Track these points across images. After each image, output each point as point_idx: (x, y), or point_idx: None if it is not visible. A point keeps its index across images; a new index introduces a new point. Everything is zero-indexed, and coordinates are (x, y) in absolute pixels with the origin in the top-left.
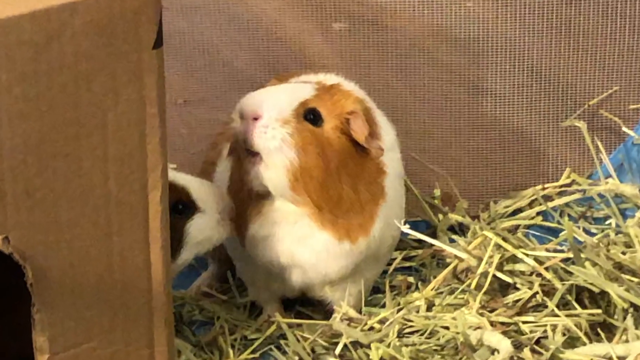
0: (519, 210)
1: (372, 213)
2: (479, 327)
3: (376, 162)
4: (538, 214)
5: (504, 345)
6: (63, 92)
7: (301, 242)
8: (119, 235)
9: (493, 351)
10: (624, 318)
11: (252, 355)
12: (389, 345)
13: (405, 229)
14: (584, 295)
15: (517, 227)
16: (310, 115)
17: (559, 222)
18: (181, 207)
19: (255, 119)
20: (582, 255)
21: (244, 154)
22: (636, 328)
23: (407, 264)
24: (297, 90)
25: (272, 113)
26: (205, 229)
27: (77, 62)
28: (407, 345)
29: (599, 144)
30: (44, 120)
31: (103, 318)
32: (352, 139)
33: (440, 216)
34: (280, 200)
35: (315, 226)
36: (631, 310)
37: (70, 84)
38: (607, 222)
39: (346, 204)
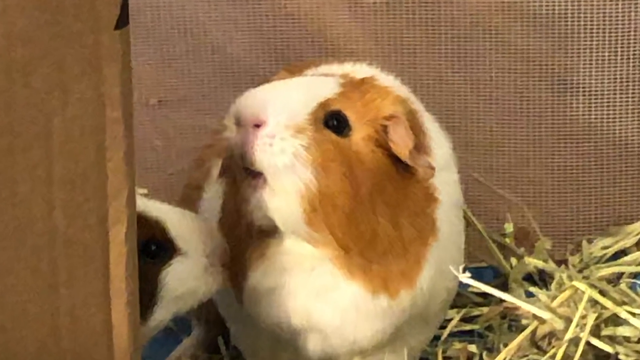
0: (622, 252)
1: (419, 256)
2: None
3: (424, 185)
4: None
5: None
6: (6, 79)
7: (321, 297)
8: (69, 287)
9: None
10: None
11: None
12: None
13: (465, 278)
14: None
15: (620, 275)
16: (333, 121)
17: None
18: (154, 247)
19: (258, 126)
20: None
21: (242, 174)
22: None
23: (468, 327)
24: (315, 86)
25: (280, 118)
26: (187, 278)
27: (10, 47)
28: None
29: None
30: None
31: None
32: (391, 153)
33: (514, 261)
34: (292, 238)
35: (341, 274)
36: None
37: (13, 70)
38: None
39: (383, 243)
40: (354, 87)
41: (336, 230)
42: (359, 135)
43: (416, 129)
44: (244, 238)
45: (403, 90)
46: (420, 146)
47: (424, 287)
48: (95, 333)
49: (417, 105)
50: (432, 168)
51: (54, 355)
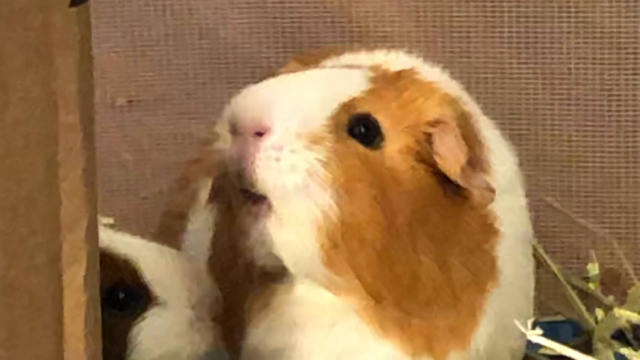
0: None
1: (474, 307)
2: None
3: (481, 213)
4: None
5: None
6: None
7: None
8: (9, 347)
9: None
10: None
11: None
12: None
13: (536, 336)
14: None
15: None
16: (360, 128)
17: None
18: (123, 296)
19: (261, 134)
20: None
21: (239, 198)
22: None
23: None
24: (337, 82)
25: (290, 124)
26: (166, 336)
27: None
28: None
29: None
30: None
31: None
32: (437, 170)
33: (600, 313)
34: (305, 284)
35: (370, 331)
36: None
37: None
38: None
39: (426, 290)
40: (387, 82)
41: (364, 273)
42: (395, 147)
43: (470, 139)
44: (241, 283)
45: (453, 87)
46: (475, 161)
47: (481, 348)
48: None
49: (472, 107)
50: (492, 190)
51: None
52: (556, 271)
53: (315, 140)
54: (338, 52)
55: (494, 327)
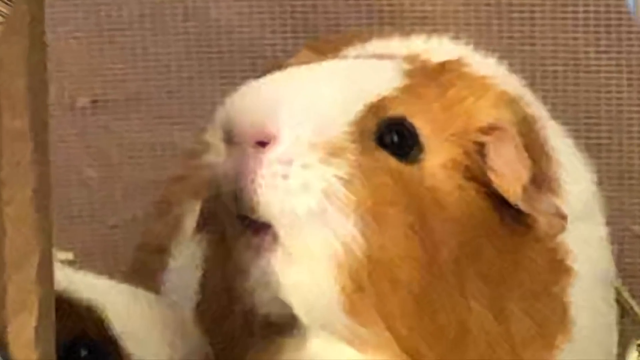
0: None
1: (565, 319)
2: None
3: (549, 246)
4: None
5: None
6: None
7: None
8: None
9: None
10: None
11: None
12: None
13: None
14: None
15: None
16: (393, 136)
17: None
18: (86, 353)
19: (264, 144)
20: None
21: (236, 227)
22: None
23: None
24: (363, 76)
25: (301, 131)
26: None
27: None
28: None
29: None
30: None
31: None
32: (493, 190)
33: None
34: (321, 338)
35: None
36: None
37: None
38: None
39: (478, 346)
40: (428, 77)
41: (397, 324)
42: (437, 161)
43: (535, 150)
44: (239, 336)
45: (512, 83)
46: (541, 179)
47: None
48: None
49: (537, 109)
50: (563, 217)
51: None
52: None
53: (334, 152)
54: (364, 38)
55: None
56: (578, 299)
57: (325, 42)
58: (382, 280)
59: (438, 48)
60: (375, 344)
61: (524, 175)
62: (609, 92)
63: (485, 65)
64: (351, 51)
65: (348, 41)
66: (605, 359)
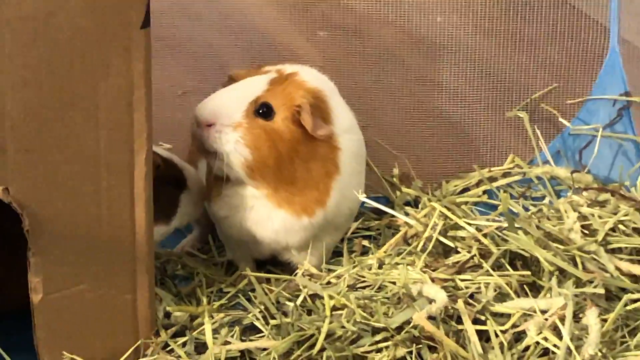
0: (467, 189)
1: (328, 187)
2: (420, 282)
3: (329, 142)
4: (484, 192)
5: (440, 296)
6: (60, 63)
7: (260, 224)
8: (108, 191)
9: (431, 301)
10: (550, 279)
11: (224, 305)
12: (339, 295)
13: (363, 197)
14: (516, 260)
15: (466, 203)
16: (262, 109)
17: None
18: (177, 182)
19: (209, 125)
20: (516, 225)
21: (206, 152)
22: (559, 287)
23: (367, 233)
24: (249, 87)
25: (223, 119)
26: (192, 201)
27: (73, 37)
28: (357, 298)
29: (539, 133)
30: (43, 87)
31: (91, 264)
32: (303, 126)
33: (398, 193)
34: (239, 184)
35: (272, 206)
36: (556, 273)
37: (66, 56)
38: (544, 201)
39: (300, 182)
40: (279, 82)
41: (268, 180)
42: (280, 117)
43: (322, 110)
44: (211, 183)
45: (318, 81)
46: (324, 119)
47: (332, 206)
48: (124, 222)
49: (328, 91)
50: (330, 133)
51: (97, 234)
52: (378, 173)
53: (237, 126)
54: (260, 68)
55: (339, 196)
56: (343, 161)
57: (246, 71)
58: (260, 167)
59: (290, 68)
60: (259, 186)
61: (310, 124)
62: (376, 95)
63: (307, 75)
64: (269, 68)
65: (256, 71)
66: (357, 184)
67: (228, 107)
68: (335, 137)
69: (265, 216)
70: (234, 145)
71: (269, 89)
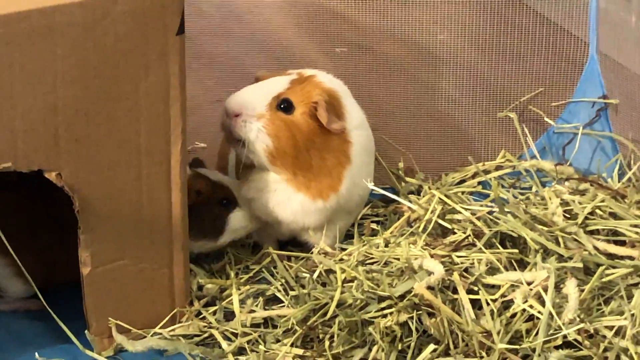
0: (463, 180)
1: (340, 175)
2: (421, 257)
3: (342, 136)
4: (478, 183)
5: (438, 269)
6: (105, 64)
7: (281, 206)
8: (148, 178)
9: (430, 274)
10: (535, 256)
11: (250, 279)
12: (350, 268)
13: (371, 186)
14: (506, 240)
15: (462, 192)
16: (284, 104)
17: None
18: (225, 202)
19: (237, 115)
20: (506, 209)
21: (233, 140)
22: (543, 263)
23: (375, 218)
24: (273, 85)
25: (248, 110)
26: (241, 221)
27: (117, 41)
28: (366, 271)
29: (527, 132)
30: (91, 85)
31: (133, 242)
32: (319, 121)
33: (403, 184)
34: (263, 170)
35: (292, 190)
36: (541, 251)
37: (111, 59)
38: (531, 191)
39: (315, 169)
40: (299, 82)
41: (287, 166)
42: (299, 112)
43: (336, 107)
44: (241, 171)
45: (334, 84)
46: (338, 115)
47: (344, 192)
48: (162, 205)
49: (342, 92)
50: (343, 128)
51: (139, 215)
52: (385, 166)
53: (261, 116)
54: (284, 71)
55: (350, 183)
56: (354, 153)
57: (272, 73)
58: (281, 155)
59: (309, 71)
60: (280, 172)
61: (326, 118)
62: (385, 101)
63: (324, 78)
64: (292, 71)
65: (280, 73)
66: (366, 174)
67: (253, 100)
68: (347, 132)
69: (286, 198)
70: (257, 133)
71: (290, 87)
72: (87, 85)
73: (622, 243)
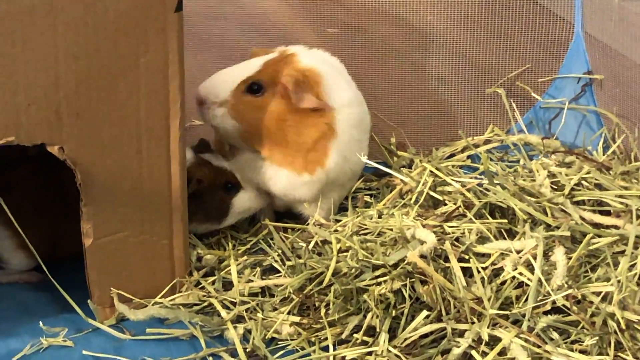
0: (453, 154)
1: (325, 148)
2: (414, 227)
3: (324, 113)
4: (468, 157)
5: (430, 238)
6: (106, 40)
7: (270, 181)
8: (148, 151)
9: (422, 243)
10: (524, 226)
11: (248, 250)
12: (345, 238)
13: (364, 159)
14: (495, 210)
15: (453, 166)
16: (254, 87)
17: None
18: (230, 186)
19: (202, 103)
20: (495, 181)
21: (209, 124)
22: (532, 232)
23: (369, 192)
24: (243, 69)
25: (211, 97)
26: (245, 203)
27: (117, 18)
28: (360, 241)
29: (515, 107)
30: (91, 61)
31: (134, 214)
32: (289, 99)
33: (395, 158)
34: (245, 149)
35: (276, 166)
36: (529, 220)
37: (111, 35)
38: (519, 164)
39: (294, 145)
40: (273, 63)
41: (260, 146)
42: (269, 93)
43: (312, 85)
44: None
45: (313, 62)
46: (315, 94)
47: (332, 166)
48: (161, 178)
49: (326, 71)
50: (321, 106)
51: (139, 188)
52: (378, 142)
53: (222, 103)
54: (270, 49)
55: (338, 157)
56: (339, 127)
57: (264, 50)
58: (250, 135)
59: (292, 49)
60: (260, 148)
61: (294, 98)
62: (378, 80)
63: (306, 56)
64: (277, 49)
65: (271, 50)
66: (357, 148)
67: (217, 87)
68: (331, 109)
69: (273, 174)
70: (221, 119)
71: (262, 69)
72: (87, 60)
73: (607, 213)
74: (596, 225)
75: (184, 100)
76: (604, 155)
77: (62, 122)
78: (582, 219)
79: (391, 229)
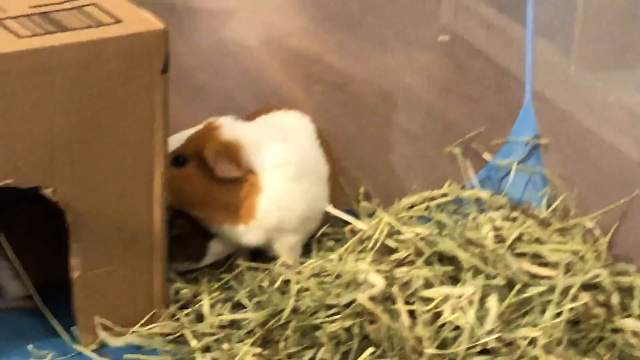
0: (413, 205)
1: (253, 204)
2: (366, 272)
3: (247, 176)
4: (426, 209)
5: (380, 282)
6: (97, 97)
7: (224, 233)
8: (132, 196)
9: (373, 286)
10: (467, 274)
11: (221, 286)
12: (304, 280)
13: (330, 209)
14: (445, 259)
15: (411, 217)
16: (180, 159)
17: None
18: (206, 232)
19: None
20: (444, 232)
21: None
22: (473, 280)
23: (336, 236)
24: (174, 142)
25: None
26: (219, 247)
27: (108, 77)
28: (318, 283)
29: (470, 165)
30: (84, 114)
31: (118, 251)
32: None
33: (362, 206)
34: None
35: (218, 223)
36: (473, 269)
37: (103, 92)
38: (470, 216)
39: (222, 204)
40: (198, 135)
41: (192, 211)
42: (192, 164)
43: (234, 154)
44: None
45: (235, 133)
46: (236, 163)
47: (265, 216)
48: (144, 219)
49: (249, 139)
50: (240, 173)
51: (124, 227)
52: (347, 192)
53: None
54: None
55: (272, 208)
56: (267, 183)
57: (256, 112)
58: (183, 204)
59: (220, 120)
60: (199, 215)
61: (213, 165)
62: (353, 134)
63: (229, 126)
64: (263, 113)
65: (263, 110)
66: (296, 198)
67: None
68: (254, 173)
69: (218, 229)
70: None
71: (186, 142)
72: (81, 115)
73: (546, 265)
74: (533, 276)
75: (167, 151)
76: (546, 212)
77: (55, 168)
78: (520, 269)
79: (348, 272)
